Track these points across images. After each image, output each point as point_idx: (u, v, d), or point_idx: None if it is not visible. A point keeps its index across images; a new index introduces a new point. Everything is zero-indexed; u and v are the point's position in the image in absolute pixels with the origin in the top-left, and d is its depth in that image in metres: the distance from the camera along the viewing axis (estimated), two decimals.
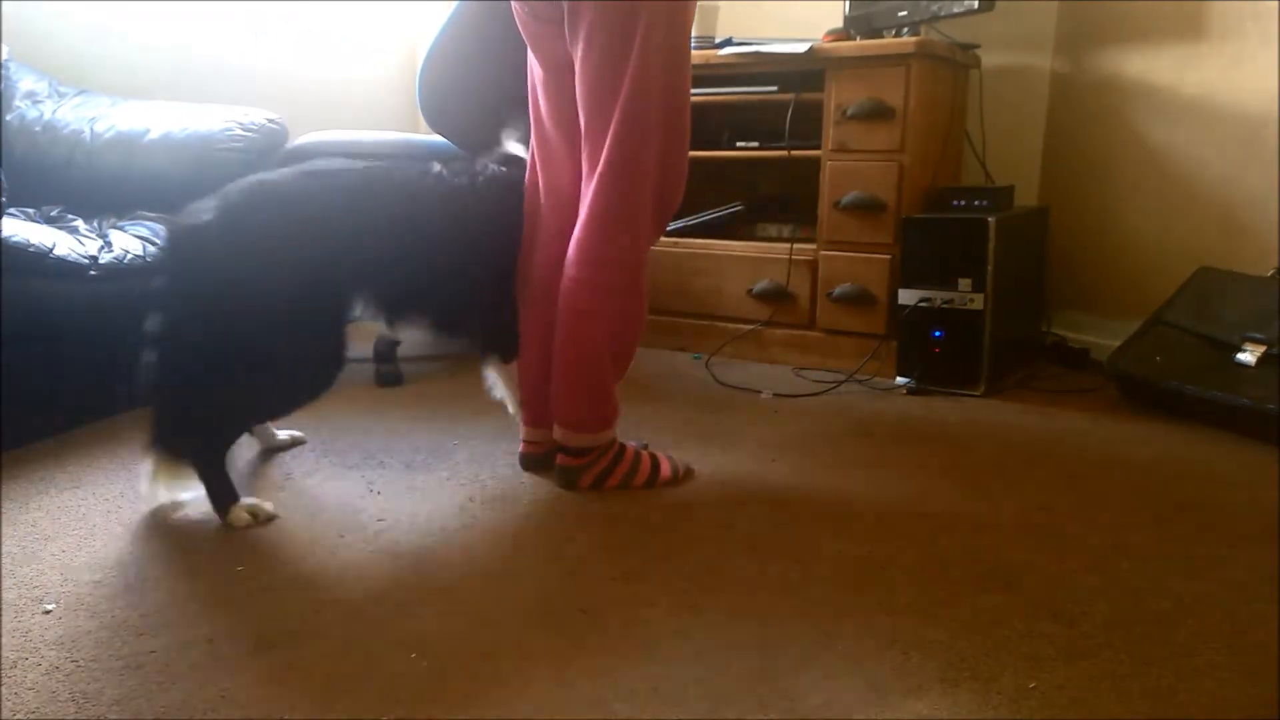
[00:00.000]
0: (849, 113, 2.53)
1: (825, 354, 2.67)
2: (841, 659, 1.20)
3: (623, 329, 1.74)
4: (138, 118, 2.47)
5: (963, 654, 1.21)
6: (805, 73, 2.60)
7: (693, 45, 2.81)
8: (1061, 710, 1.10)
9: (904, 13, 2.64)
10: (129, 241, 2.18)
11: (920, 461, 1.93)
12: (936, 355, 2.43)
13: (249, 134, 2.42)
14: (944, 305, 2.39)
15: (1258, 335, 2.12)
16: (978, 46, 2.78)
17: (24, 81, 2.54)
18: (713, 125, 2.86)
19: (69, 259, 2.03)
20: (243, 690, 1.14)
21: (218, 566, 1.48)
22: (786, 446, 2.02)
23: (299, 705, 1.11)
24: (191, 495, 1.67)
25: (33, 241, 1.97)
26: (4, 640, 1.26)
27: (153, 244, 2.19)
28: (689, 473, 1.85)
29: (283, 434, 2.03)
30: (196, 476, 1.64)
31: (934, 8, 2.59)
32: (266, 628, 1.29)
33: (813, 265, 2.66)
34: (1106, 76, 2.69)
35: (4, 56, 2.50)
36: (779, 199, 3.01)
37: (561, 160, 1.78)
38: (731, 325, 2.81)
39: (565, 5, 1.62)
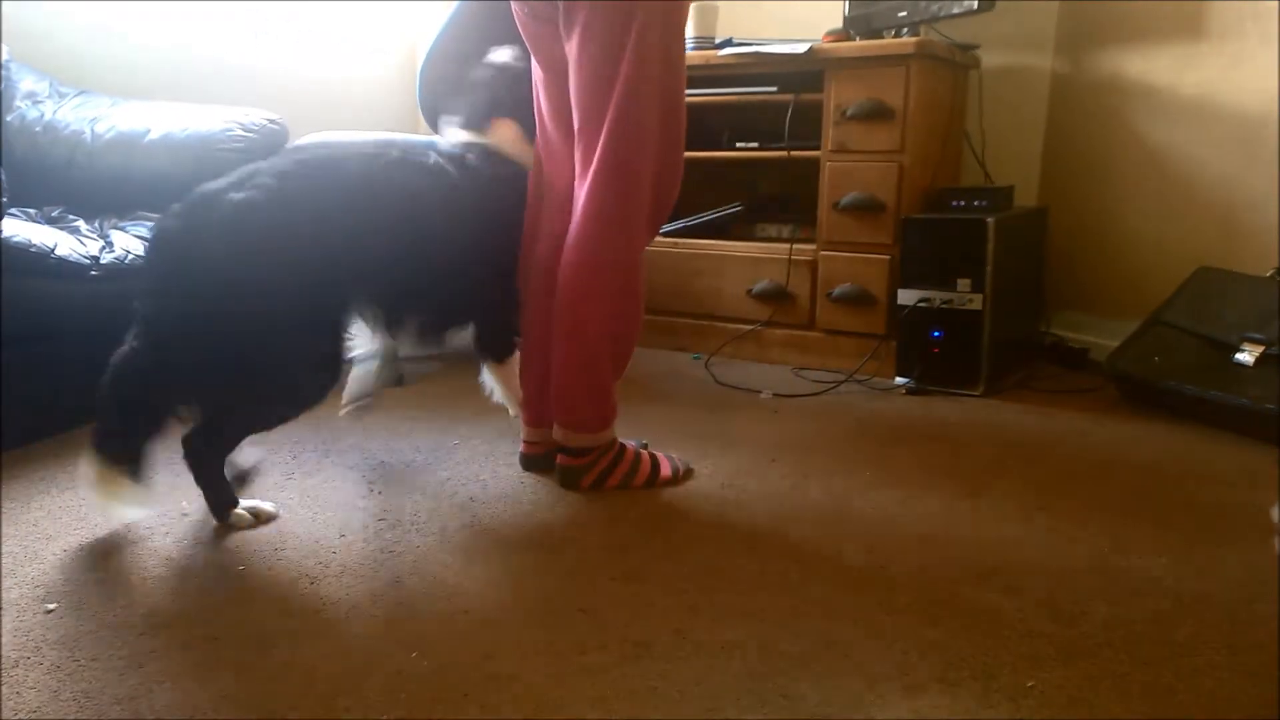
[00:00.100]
0: (848, 113, 2.54)
1: (825, 354, 2.67)
2: (841, 658, 1.20)
3: (620, 329, 1.74)
4: (138, 118, 2.47)
5: (962, 653, 1.21)
6: (805, 73, 2.60)
7: (693, 46, 2.85)
8: (1060, 710, 1.10)
9: (904, 13, 2.64)
10: (130, 242, 2.19)
11: (920, 461, 1.93)
12: (936, 355, 2.43)
13: (249, 134, 2.42)
14: (943, 305, 2.39)
15: (1257, 335, 2.12)
16: (977, 47, 2.78)
17: (24, 82, 2.54)
18: (712, 126, 2.86)
19: (70, 259, 2.03)
20: (243, 690, 1.15)
21: (219, 566, 1.49)
22: (786, 446, 2.02)
23: (299, 705, 1.12)
24: (137, 514, 1.60)
25: (34, 242, 1.97)
26: (5, 639, 1.26)
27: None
28: (689, 473, 1.86)
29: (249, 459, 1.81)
30: (136, 486, 1.55)
31: (934, 8, 2.59)
32: (266, 628, 1.29)
33: (812, 265, 2.66)
34: (1106, 77, 2.70)
35: (4, 57, 2.50)
36: (779, 199, 3.01)
37: (563, 159, 1.79)
38: (731, 325, 2.81)
39: (561, 5, 1.62)
